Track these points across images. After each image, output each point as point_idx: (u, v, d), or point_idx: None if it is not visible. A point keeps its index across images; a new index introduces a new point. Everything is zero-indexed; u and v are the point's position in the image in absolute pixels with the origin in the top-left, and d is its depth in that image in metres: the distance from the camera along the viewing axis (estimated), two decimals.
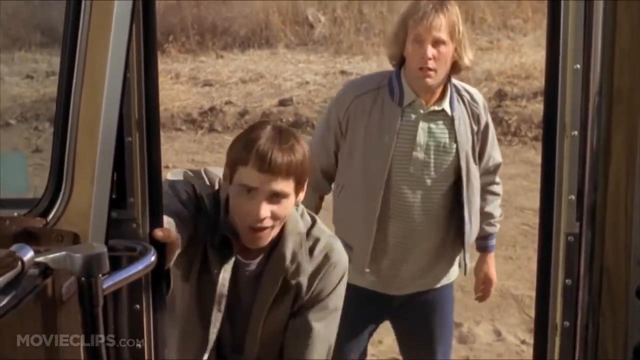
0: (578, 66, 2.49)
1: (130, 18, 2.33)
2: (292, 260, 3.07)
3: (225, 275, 3.03)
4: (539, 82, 12.28)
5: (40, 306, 2.15)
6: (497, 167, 4.38)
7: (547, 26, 2.55)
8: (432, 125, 4.03)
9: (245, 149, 2.90)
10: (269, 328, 3.15)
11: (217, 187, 3.13)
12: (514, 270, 7.96)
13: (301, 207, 3.19)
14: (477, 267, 4.57)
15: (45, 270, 2.15)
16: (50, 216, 2.34)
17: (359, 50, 15.85)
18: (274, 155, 2.86)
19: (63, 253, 2.12)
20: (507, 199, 9.78)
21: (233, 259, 3.05)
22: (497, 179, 4.44)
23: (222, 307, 3.07)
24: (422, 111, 4.01)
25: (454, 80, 4.14)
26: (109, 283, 2.27)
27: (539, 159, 2.71)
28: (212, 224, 3.05)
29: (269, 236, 2.99)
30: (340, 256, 3.18)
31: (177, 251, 2.71)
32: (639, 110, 2.46)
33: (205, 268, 3.05)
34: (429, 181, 4.05)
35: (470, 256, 4.35)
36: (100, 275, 2.15)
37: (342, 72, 14.77)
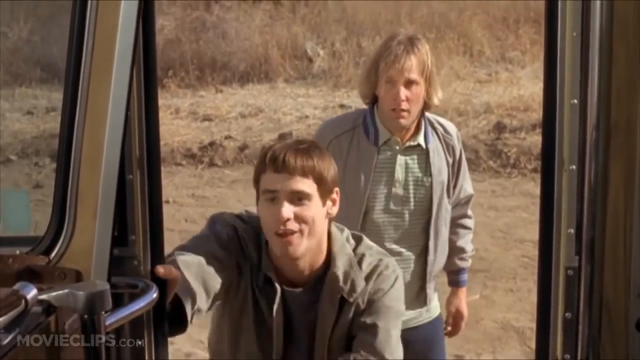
0: (575, 101, 2.51)
1: (132, 55, 2.35)
2: (345, 279, 3.01)
3: (278, 317, 3.00)
4: (538, 114, 12.32)
5: (44, 343, 2.16)
6: (468, 198, 4.39)
7: (544, 61, 2.57)
8: (409, 160, 4.07)
9: (262, 158, 2.92)
10: (335, 348, 3.08)
11: (259, 229, 3.07)
12: (514, 302, 7.95)
13: (346, 231, 3.15)
14: (448, 302, 4.56)
15: (49, 308, 2.16)
16: (53, 254, 2.35)
17: (357, 84, 15.91)
18: (287, 155, 2.86)
19: (66, 291, 2.13)
20: (506, 231, 9.82)
21: (279, 296, 3.00)
22: (469, 212, 4.45)
23: (280, 343, 3.05)
24: (397, 147, 4.04)
25: (428, 115, 4.16)
26: (111, 320, 2.28)
27: (538, 191, 2.73)
28: (257, 265, 3.02)
29: (299, 244, 2.91)
30: (390, 264, 3.12)
31: (176, 287, 2.70)
32: (636, 144, 2.48)
33: (258, 310, 3.02)
34: (408, 216, 4.08)
35: (440, 288, 4.38)
36: (103, 312, 2.15)
37: (341, 106, 14.80)
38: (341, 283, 3.01)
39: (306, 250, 2.94)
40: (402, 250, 4.10)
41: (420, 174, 4.07)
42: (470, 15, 17.92)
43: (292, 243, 2.90)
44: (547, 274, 2.63)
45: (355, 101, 14.52)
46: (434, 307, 4.35)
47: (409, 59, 3.90)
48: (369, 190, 4.02)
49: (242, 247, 3.02)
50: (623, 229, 2.53)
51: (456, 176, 4.22)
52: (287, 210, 2.86)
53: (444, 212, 4.17)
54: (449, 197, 4.19)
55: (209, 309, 2.93)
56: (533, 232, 9.03)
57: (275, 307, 2.99)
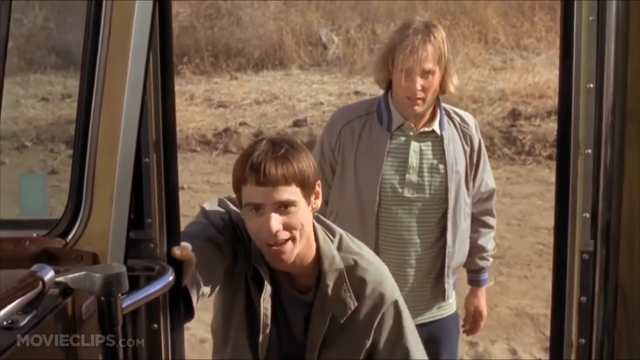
0: (591, 85, 2.50)
1: (148, 41, 2.35)
2: (335, 298, 3.00)
3: (265, 304, 3.00)
4: (553, 101, 12.30)
5: (61, 325, 2.17)
6: (490, 193, 4.33)
7: (560, 46, 2.57)
8: (424, 147, 4.03)
9: (241, 168, 2.85)
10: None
11: None
12: (529, 289, 7.95)
13: (338, 237, 3.11)
14: (467, 301, 4.50)
15: (65, 290, 2.17)
16: (70, 237, 2.37)
17: (372, 70, 15.87)
18: (267, 166, 2.80)
19: (83, 273, 2.14)
20: (521, 218, 9.81)
21: (269, 289, 3.00)
22: (492, 210, 4.39)
23: (267, 334, 3.04)
24: (412, 133, 4.01)
25: (445, 105, 4.13)
26: (127, 302, 2.29)
27: (553, 178, 2.72)
28: (249, 253, 3.01)
29: (291, 250, 2.89)
30: (393, 290, 3.11)
31: (192, 270, 2.71)
32: None
33: (250, 297, 3.02)
34: (423, 204, 4.03)
35: (459, 282, 4.33)
36: (119, 295, 2.16)
37: (356, 93, 14.81)
38: (330, 302, 3.01)
39: (298, 252, 2.93)
40: (418, 240, 4.05)
41: (435, 161, 4.02)
42: (485, 2, 17.88)
43: (285, 252, 2.89)
44: (562, 258, 2.64)
45: (371, 88, 14.52)
46: (449, 304, 4.29)
47: (425, 49, 3.86)
48: (381, 176, 3.99)
49: (237, 233, 3.01)
50: (638, 212, 2.52)
51: (475, 167, 4.16)
52: (276, 222, 2.83)
53: (463, 204, 4.11)
54: (467, 189, 4.13)
55: (211, 293, 2.92)
56: (548, 219, 9.02)
57: (263, 297, 2.99)
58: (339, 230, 3.14)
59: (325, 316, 3.02)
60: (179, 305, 2.66)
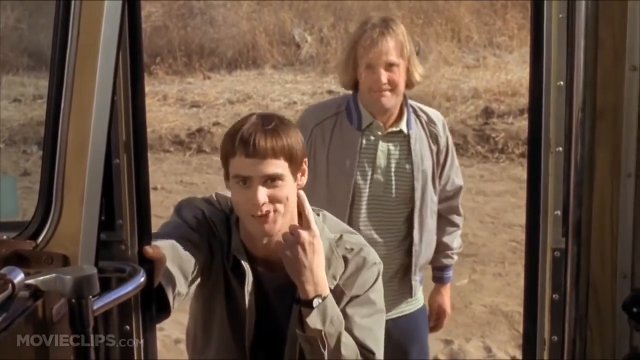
0: (561, 83, 2.51)
1: (117, 41, 2.35)
2: (328, 265, 3.00)
3: (249, 294, 2.99)
4: (525, 99, 12.26)
5: (32, 328, 2.16)
6: (457, 191, 4.34)
7: (530, 44, 2.58)
8: (391, 147, 4.03)
9: (230, 140, 2.87)
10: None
11: (229, 210, 3.09)
12: (502, 286, 7.98)
13: (322, 214, 3.15)
14: (432, 298, 4.53)
15: (36, 293, 2.16)
16: (40, 239, 2.35)
17: (337, 72, 15.88)
18: (257, 138, 2.82)
19: (53, 275, 2.13)
20: (495, 216, 9.84)
21: (250, 278, 2.99)
22: (459, 208, 4.40)
23: (253, 324, 3.03)
24: (380, 133, 4.01)
25: (412, 102, 4.15)
26: (99, 304, 2.28)
27: (526, 176, 2.73)
28: (227, 247, 3.01)
29: (275, 222, 2.90)
30: (375, 257, 3.12)
31: (163, 269, 2.71)
32: (622, 125, 2.49)
33: (230, 291, 3.02)
34: (390, 204, 4.05)
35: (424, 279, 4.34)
36: (90, 297, 2.15)
37: (329, 92, 14.81)
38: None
39: (281, 226, 2.93)
40: (385, 239, 4.06)
41: (401, 161, 4.04)
42: (458, 0, 17.92)
43: (268, 221, 2.89)
44: (534, 255, 2.64)
45: None
46: (417, 299, 4.31)
47: (385, 41, 3.88)
48: (354, 175, 4.00)
49: (212, 230, 3.01)
50: (609, 210, 2.54)
51: (442, 166, 4.18)
52: (262, 194, 2.84)
53: (430, 203, 4.13)
54: (434, 187, 4.15)
55: (188, 292, 2.92)
56: (521, 217, 9.03)
57: (246, 288, 2.98)
58: (321, 209, 3.18)
59: None
60: (151, 306, 2.65)
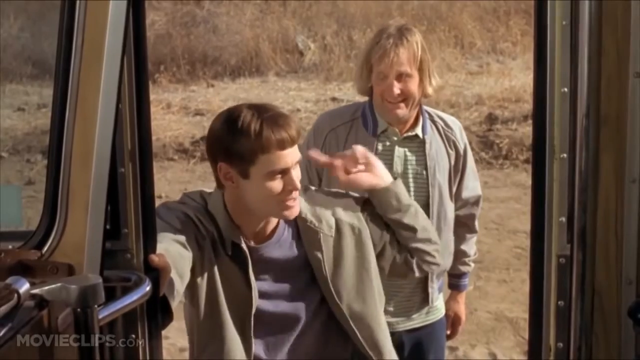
0: (565, 89, 2.51)
1: (121, 50, 2.34)
2: (313, 215, 3.14)
3: (254, 283, 3.03)
4: (529, 105, 12.33)
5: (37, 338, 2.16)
6: (476, 199, 4.30)
7: (534, 51, 2.57)
8: (408, 153, 4.00)
9: (257, 137, 2.88)
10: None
11: (205, 203, 3.13)
12: (507, 293, 7.96)
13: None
14: (447, 305, 4.47)
15: (41, 302, 2.16)
16: (45, 248, 2.35)
17: (349, 77, 15.86)
18: (289, 131, 2.90)
19: (58, 285, 2.13)
20: (499, 222, 9.82)
21: (249, 262, 3.02)
22: (476, 215, 4.35)
23: (256, 307, 3.06)
24: (395, 138, 3.99)
25: (427, 108, 4.13)
26: (104, 313, 2.28)
27: (530, 182, 2.73)
28: (219, 237, 3.03)
29: (298, 204, 3.03)
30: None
31: (168, 277, 2.71)
32: (626, 132, 2.49)
33: (226, 280, 3.03)
34: None
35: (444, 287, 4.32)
36: (95, 306, 2.15)
37: (333, 99, 14.82)
38: (310, 222, 3.12)
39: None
40: None
41: (418, 167, 4.00)
42: (461, 7, 17.95)
43: (296, 203, 3.01)
44: (539, 262, 2.64)
45: (347, 94, 14.55)
46: (437, 309, 4.27)
47: (398, 52, 3.85)
48: None
49: (196, 226, 3.02)
50: (614, 216, 2.54)
51: (461, 173, 4.14)
52: (297, 178, 2.96)
53: (446, 209, 4.09)
54: (451, 194, 4.11)
55: (183, 289, 2.92)
56: (526, 223, 9.01)
57: (249, 270, 3.02)
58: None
59: (316, 234, 3.13)
60: (156, 314, 2.65)
